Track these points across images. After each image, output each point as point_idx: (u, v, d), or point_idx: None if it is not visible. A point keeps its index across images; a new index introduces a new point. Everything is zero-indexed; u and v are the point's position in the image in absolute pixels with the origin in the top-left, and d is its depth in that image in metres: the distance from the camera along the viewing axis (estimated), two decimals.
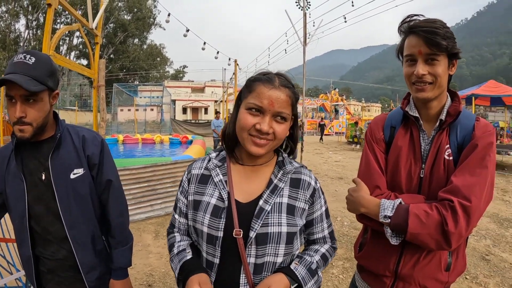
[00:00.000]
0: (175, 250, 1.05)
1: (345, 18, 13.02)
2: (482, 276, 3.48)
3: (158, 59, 49.68)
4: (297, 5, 15.74)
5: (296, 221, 1.01)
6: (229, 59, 11.40)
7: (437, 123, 1.14)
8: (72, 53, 38.51)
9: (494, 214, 5.88)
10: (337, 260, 3.75)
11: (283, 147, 1.13)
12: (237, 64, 9.95)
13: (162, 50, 50.27)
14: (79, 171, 1.33)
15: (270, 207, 0.98)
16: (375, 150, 1.25)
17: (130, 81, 44.01)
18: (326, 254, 1.11)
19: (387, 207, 1.06)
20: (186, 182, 1.09)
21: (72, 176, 1.31)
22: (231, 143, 1.07)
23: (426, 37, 1.03)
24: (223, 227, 0.95)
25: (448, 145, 1.13)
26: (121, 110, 31.66)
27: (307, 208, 1.06)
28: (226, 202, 0.98)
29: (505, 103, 14.45)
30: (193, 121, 33.20)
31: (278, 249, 0.97)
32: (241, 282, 0.96)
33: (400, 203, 1.07)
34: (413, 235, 1.00)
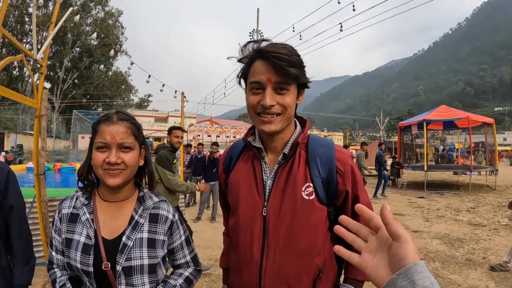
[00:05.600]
0: (57, 286, 1.16)
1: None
2: None
3: (123, 86, 48.58)
4: (250, 38, 16.34)
5: (157, 253, 1.14)
6: (175, 92, 11.25)
7: (280, 156, 1.06)
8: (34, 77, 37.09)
9: (445, 235, 6.00)
10: None
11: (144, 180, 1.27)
12: (184, 97, 10.07)
13: (127, 78, 49.26)
14: None
15: (132, 242, 1.11)
16: (221, 183, 1.30)
17: (93, 108, 42.77)
18: (190, 276, 1.28)
19: None
20: (58, 221, 1.18)
21: None
22: (87, 182, 1.19)
23: (276, 64, 0.92)
24: (92, 262, 1.07)
25: (308, 183, 1.02)
26: (82, 137, 30.72)
27: (166, 239, 1.20)
28: (93, 240, 1.10)
29: (457, 126, 15.29)
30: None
31: (143, 278, 1.12)
32: None
33: None
34: None
